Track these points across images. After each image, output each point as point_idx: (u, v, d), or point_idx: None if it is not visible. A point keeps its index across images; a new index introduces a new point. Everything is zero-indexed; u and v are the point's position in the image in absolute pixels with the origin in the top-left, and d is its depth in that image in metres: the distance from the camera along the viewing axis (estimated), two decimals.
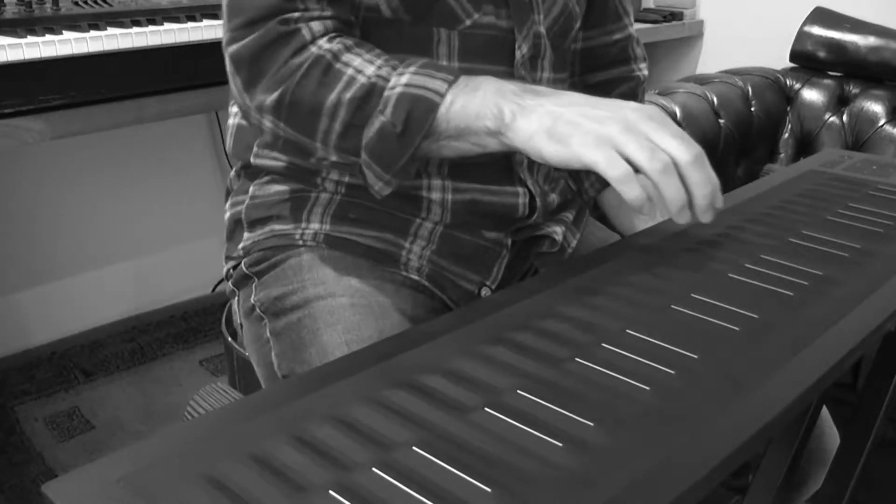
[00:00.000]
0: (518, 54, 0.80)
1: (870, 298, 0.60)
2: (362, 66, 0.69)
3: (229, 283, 0.89)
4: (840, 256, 0.67)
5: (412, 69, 0.68)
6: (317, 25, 0.71)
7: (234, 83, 0.74)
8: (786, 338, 0.54)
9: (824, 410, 0.94)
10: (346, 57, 0.70)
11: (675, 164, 0.62)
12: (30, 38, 1.27)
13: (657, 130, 0.63)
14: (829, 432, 0.95)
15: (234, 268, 0.87)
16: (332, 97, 0.69)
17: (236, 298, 0.89)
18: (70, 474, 0.40)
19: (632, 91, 0.98)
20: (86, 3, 1.45)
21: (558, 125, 0.64)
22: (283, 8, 0.70)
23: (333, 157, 0.72)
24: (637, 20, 2.30)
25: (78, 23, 1.36)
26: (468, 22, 0.77)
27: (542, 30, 0.82)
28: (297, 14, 0.70)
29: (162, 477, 0.40)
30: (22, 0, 1.37)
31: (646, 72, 1.01)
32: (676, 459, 0.41)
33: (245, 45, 0.71)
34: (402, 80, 0.68)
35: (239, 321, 0.90)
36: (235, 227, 0.88)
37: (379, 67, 0.69)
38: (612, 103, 0.65)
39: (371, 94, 0.68)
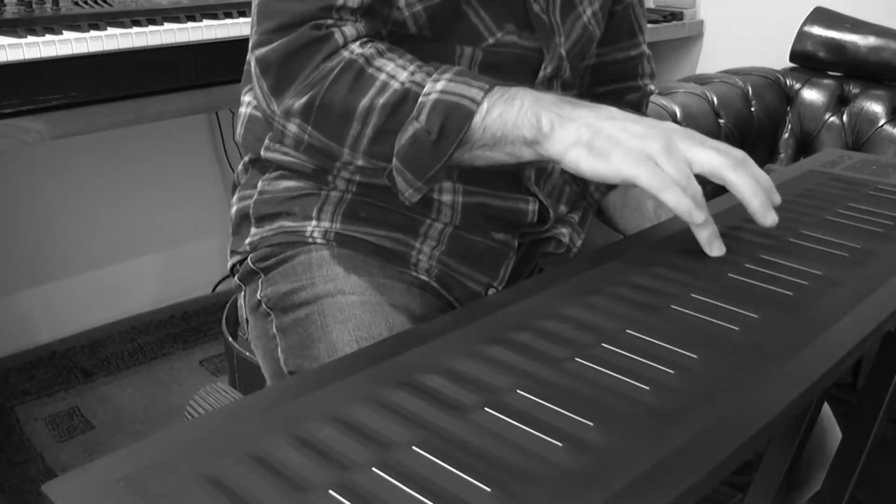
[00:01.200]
0: (541, 74, 0.81)
1: (870, 298, 0.60)
2: (395, 71, 0.69)
3: (235, 277, 0.89)
4: (840, 256, 0.67)
5: (448, 76, 0.68)
6: (349, 30, 0.70)
7: (260, 87, 0.73)
8: (786, 338, 0.54)
9: (827, 410, 0.94)
10: (379, 62, 0.69)
11: (713, 172, 0.63)
12: (30, 38, 1.27)
13: (694, 147, 0.63)
14: (831, 430, 0.95)
15: (240, 262, 0.87)
16: (365, 102, 0.68)
17: (242, 294, 0.89)
18: (70, 474, 0.40)
19: (637, 100, 0.99)
20: (86, 3, 1.45)
21: (597, 140, 0.63)
22: (317, 15, 0.70)
23: (360, 162, 0.71)
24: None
25: (78, 23, 1.36)
26: (491, 40, 0.78)
27: (563, 52, 0.83)
28: (330, 21, 0.70)
29: (162, 477, 0.40)
30: (22, 0, 1.37)
31: (653, 87, 1.01)
32: (676, 459, 0.41)
33: (274, 49, 0.70)
34: (437, 86, 0.67)
35: (245, 316, 0.90)
36: (242, 221, 0.87)
37: (413, 73, 0.68)
38: (652, 121, 0.65)
39: (405, 99, 0.67)
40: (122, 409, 1.85)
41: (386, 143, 0.69)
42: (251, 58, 0.73)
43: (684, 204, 0.61)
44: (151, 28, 1.40)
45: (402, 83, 0.68)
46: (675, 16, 2.33)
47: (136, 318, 2.16)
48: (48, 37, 1.29)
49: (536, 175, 0.85)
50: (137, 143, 2.02)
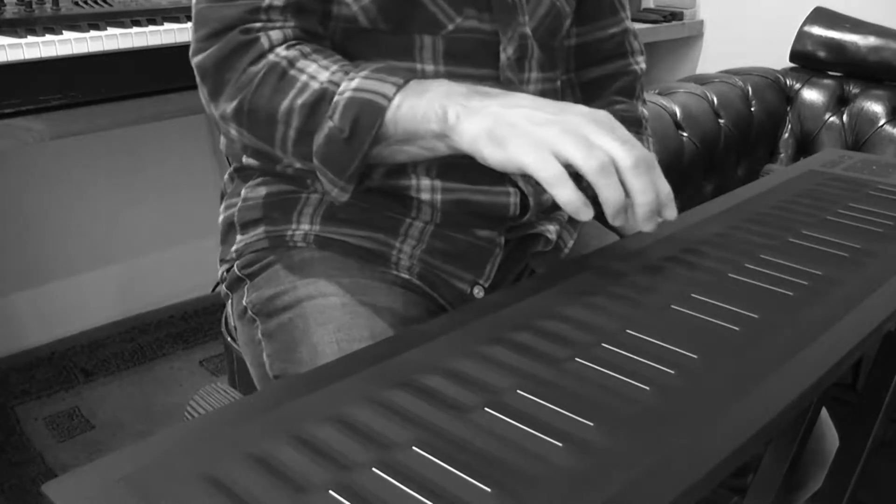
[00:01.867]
0: (503, 56, 0.80)
1: (870, 298, 0.60)
2: (317, 71, 0.69)
3: (223, 286, 0.89)
4: (840, 256, 0.67)
5: (364, 73, 0.67)
6: (276, 34, 0.71)
7: (202, 93, 0.74)
8: (786, 338, 0.54)
9: (824, 412, 0.94)
10: (302, 63, 0.70)
11: (616, 167, 0.59)
12: (30, 38, 1.27)
13: (600, 133, 0.60)
14: (829, 434, 0.95)
15: (228, 270, 0.88)
16: (286, 103, 0.69)
17: (230, 301, 0.89)
18: (70, 474, 0.40)
19: (629, 85, 0.98)
20: (86, 3, 1.45)
21: (498, 127, 0.62)
22: (246, 19, 0.71)
23: (297, 164, 0.72)
24: (637, 20, 2.30)
25: (78, 23, 1.36)
26: (451, 27, 0.77)
27: (528, 31, 0.82)
28: (258, 24, 0.71)
29: (162, 477, 0.40)
30: (22, 0, 1.37)
31: (643, 65, 1.00)
32: (676, 459, 0.41)
33: (208, 56, 0.72)
34: (351, 84, 0.67)
35: (233, 324, 0.90)
36: (229, 229, 0.88)
37: (333, 73, 0.68)
38: (560, 106, 0.63)
39: (322, 99, 0.68)
40: (122, 409, 1.85)
41: (307, 143, 0.69)
42: (193, 66, 0.74)
43: (572, 202, 0.59)
44: (151, 28, 1.40)
45: (321, 83, 0.68)
46: (675, 16, 2.33)
47: (136, 318, 2.16)
48: (48, 37, 1.29)
49: None
50: (137, 143, 2.02)
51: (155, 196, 2.12)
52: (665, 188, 0.62)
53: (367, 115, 0.66)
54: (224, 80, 0.72)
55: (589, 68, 0.98)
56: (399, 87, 0.66)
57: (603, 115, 0.63)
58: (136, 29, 1.38)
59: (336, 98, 0.67)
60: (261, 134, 0.72)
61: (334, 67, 0.69)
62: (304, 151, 0.70)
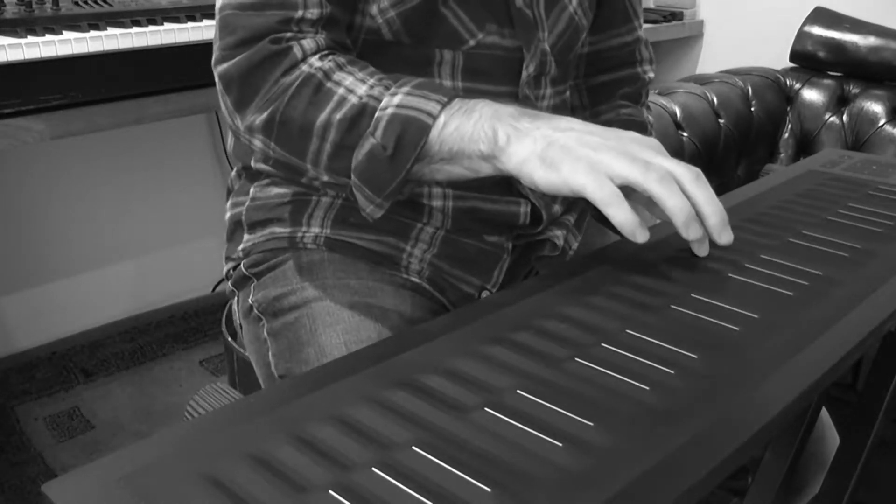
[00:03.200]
0: (524, 74, 0.80)
1: (870, 298, 0.60)
2: (354, 85, 0.67)
3: (229, 283, 0.89)
4: (840, 256, 0.67)
5: (405, 89, 0.66)
6: (308, 43, 0.69)
7: (224, 102, 0.72)
8: (786, 338, 0.54)
9: (824, 414, 0.94)
10: (338, 76, 0.68)
11: (677, 181, 0.60)
12: (30, 38, 1.27)
13: (653, 153, 0.61)
14: (829, 436, 0.94)
15: (234, 268, 0.88)
16: (323, 117, 0.67)
17: (235, 299, 0.89)
18: (70, 474, 0.40)
19: (636, 92, 0.98)
20: (86, 3, 1.45)
21: (550, 150, 0.61)
22: (277, 29, 0.69)
23: (325, 178, 0.70)
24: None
25: (78, 23, 1.36)
26: (472, 42, 0.76)
27: (547, 47, 0.82)
28: (289, 34, 0.69)
29: (162, 477, 0.40)
30: (22, 0, 1.37)
31: (652, 74, 1.00)
32: (676, 459, 0.41)
33: (235, 64, 0.69)
34: (394, 100, 0.66)
35: (238, 322, 0.90)
36: (236, 228, 0.88)
37: (371, 87, 0.67)
38: (611, 131, 0.63)
39: (362, 114, 0.66)
40: (122, 409, 1.85)
41: (345, 158, 0.67)
42: (214, 73, 0.72)
43: (628, 222, 0.59)
44: (151, 28, 1.40)
45: (360, 97, 0.66)
46: (675, 16, 2.33)
47: (136, 318, 2.16)
48: (48, 37, 1.29)
49: None
50: (137, 143, 2.02)
51: (155, 196, 2.12)
52: (718, 205, 0.62)
53: (412, 132, 0.64)
54: (253, 91, 0.69)
55: (598, 74, 0.98)
56: (444, 105, 0.65)
57: (654, 142, 0.63)
58: (136, 29, 1.38)
59: (378, 114, 0.65)
60: (292, 147, 0.70)
61: (372, 81, 0.67)
62: (339, 167, 0.68)
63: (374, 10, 0.73)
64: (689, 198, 0.60)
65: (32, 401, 1.86)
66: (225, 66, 0.70)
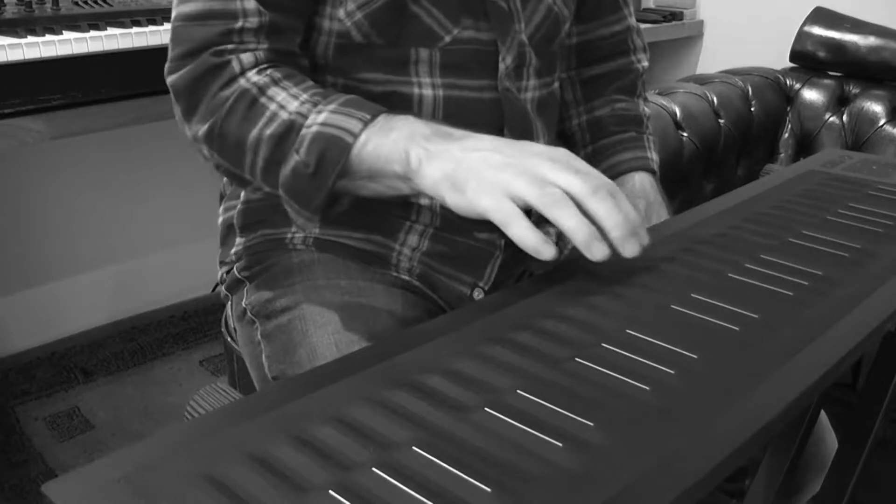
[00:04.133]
0: (502, 66, 0.79)
1: (870, 298, 0.60)
2: (286, 101, 0.68)
3: (223, 287, 0.89)
4: (840, 256, 0.67)
5: (332, 106, 0.67)
6: (247, 57, 0.70)
7: (175, 112, 0.74)
8: (786, 338, 0.54)
9: (823, 416, 0.94)
10: (272, 91, 0.69)
11: (575, 199, 0.58)
12: (30, 38, 1.27)
13: (555, 169, 0.59)
14: (828, 438, 0.94)
15: (228, 272, 0.88)
16: (255, 133, 0.68)
17: (230, 303, 0.89)
18: (70, 474, 0.40)
19: (631, 84, 0.97)
20: (86, 3, 1.45)
21: (458, 172, 0.61)
22: (218, 41, 0.70)
23: (267, 189, 0.72)
24: (637, 20, 2.29)
25: (78, 23, 1.36)
26: (447, 38, 0.76)
27: (525, 38, 0.81)
28: (231, 46, 0.70)
29: (162, 477, 0.40)
30: (22, 0, 1.37)
31: (646, 63, 0.99)
32: (676, 459, 0.41)
33: (181, 76, 0.71)
34: (319, 118, 0.66)
35: (233, 325, 0.90)
36: (228, 232, 0.88)
37: (302, 103, 0.68)
38: (519, 147, 0.62)
39: (290, 131, 0.67)
40: (122, 409, 1.85)
41: (274, 173, 0.69)
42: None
43: (527, 239, 0.57)
44: (151, 28, 1.40)
45: (290, 113, 0.68)
46: (675, 16, 2.33)
47: (136, 318, 2.16)
48: (48, 37, 1.29)
49: None
50: (137, 143, 2.02)
51: (155, 196, 2.12)
52: (632, 213, 0.60)
53: (333, 151, 0.65)
54: (196, 102, 0.71)
55: (590, 66, 0.97)
56: (366, 124, 0.65)
57: (561, 152, 0.62)
58: (136, 29, 1.38)
59: (303, 131, 0.66)
60: (231, 159, 0.72)
61: (304, 97, 0.68)
62: (272, 181, 0.70)
63: (341, 13, 0.74)
64: (588, 214, 0.58)
65: (32, 401, 1.86)
66: (173, 77, 0.72)
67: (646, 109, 0.98)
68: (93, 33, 1.33)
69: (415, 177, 0.64)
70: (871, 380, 0.79)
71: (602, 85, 0.97)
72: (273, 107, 0.68)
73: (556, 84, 0.91)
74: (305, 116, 0.67)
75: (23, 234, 1.94)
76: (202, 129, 0.71)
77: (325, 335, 0.75)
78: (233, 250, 0.87)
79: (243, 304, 0.84)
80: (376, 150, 0.65)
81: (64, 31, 1.33)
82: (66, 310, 2.04)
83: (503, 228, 0.58)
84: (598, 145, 0.96)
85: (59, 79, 1.31)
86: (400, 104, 0.77)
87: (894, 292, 0.61)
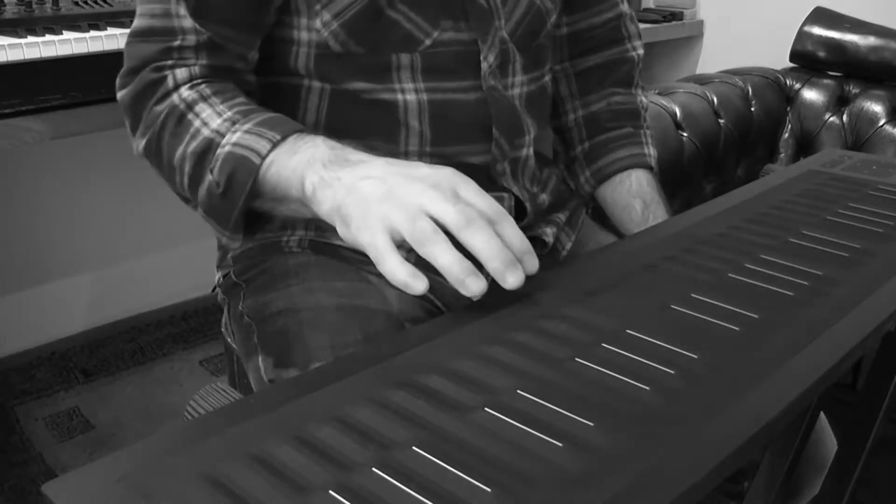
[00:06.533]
0: (484, 65, 0.79)
1: (870, 298, 0.60)
2: (210, 118, 0.69)
3: (220, 291, 0.89)
4: (840, 256, 0.67)
5: (247, 126, 0.67)
6: (181, 73, 0.71)
7: (126, 127, 0.76)
8: (786, 338, 0.54)
9: (822, 418, 0.94)
10: (199, 107, 0.70)
11: (448, 230, 0.56)
12: (30, 38, 1.27)
13: (433, 199, 0.57)
14: (827, 439, 0.94)
15: (225, 276, 0.88)
16: (181, 150, 0.70)
17: (227, 306, 0.89)
18: (70, 474, 0.40)
19: (627, 75, 0.96)
20: (86, 3, 1.45)
21: (344, 206, 0.60)
22: (158, 57, 0.72)
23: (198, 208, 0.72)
24: (637, 20, 2.29)
25: (78, 23, 1.36)
26: (428, 42, 0.76)
27: (506, 35, 0.80)
28: (170, 62, 0.72)
29: (162, 477, 0.40)
30: (22, 0, 1.37)
31: (641, 51, 0.97)
32: (676, 459, 0.41)
33: (127, 92, 0.73)
34: (233, 137, 0.67)
35: (231, 329, 0.90)
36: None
37: (224, 121, 0.68)
38: (405, 174, 0.60)
39: (208, 149, 0.68)
40: (122, 409, 1.85)
41: (196, 191, 0.70)
42: None
43: (398, 274, 0.55)
44: None
45: (211, 131, 0.68)
46: (675, 16, 2.33)
47: (136, 318, 2.16)
48: (48, 37, 1.29)
49: (511, 169, 0.84)
50: None
51: (155, 196, 2.12)
52: (516, 239, 0.58)
53: (241, 172, 0.66)
54: (137, 118, 0.73)
55: (584, 56, 0.96)
56: (274, 145, 0.66)
57: (445, 175, 0.60)
58: None
59: (218, 151, 0.67)
60: (165, 175, 0.73)
61: (228, 114, 0.69)
62: (195, 199, 0.71)
63: (317, 24, 0.74)
64: (466, 246, 0.56)
65: (32, 401, 1.86)
66: (120, 94, 0.75)
67: (643, 100, 0.97)
68: (93, 33, 1.33)
69: (311, 203, 0.63)
70: (871, 380, 0.79)
71: (597, 78, 0.96)
72: (197, 123, 0.69)
73: (547, 77, 0.90)
74: (223, 135, 0.68)
75: (23, 234, 1.94)
76: (142, 144, 0.73)
77: (321, 338, 0.75)
78: (229, 255, 0.87)
79: (240, 308, 0.84)
80: (278, 174, 0.65)
81: (64, 31, 1.33)
82: (66, 310, 2.04)
83: (376, 265, 0.57)
84: (594, 142, 0.95)
85: (59, 79, 1.31)
86: (385, 112, 0.77)
87: (894, 292, 0.61)
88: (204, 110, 0.70)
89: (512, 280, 0.56)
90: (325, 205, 0.62)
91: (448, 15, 0.76)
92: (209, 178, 0.68)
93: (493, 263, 0.56)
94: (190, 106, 0.70)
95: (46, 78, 1.30)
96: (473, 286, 0.55)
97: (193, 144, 0.69)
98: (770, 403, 0.46)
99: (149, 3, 0.72)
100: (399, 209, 0.57)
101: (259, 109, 0.70)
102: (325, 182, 0.63)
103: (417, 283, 0.55)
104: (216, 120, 0.69)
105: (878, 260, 0.67)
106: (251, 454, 0.41)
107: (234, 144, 0.67)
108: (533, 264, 0.58)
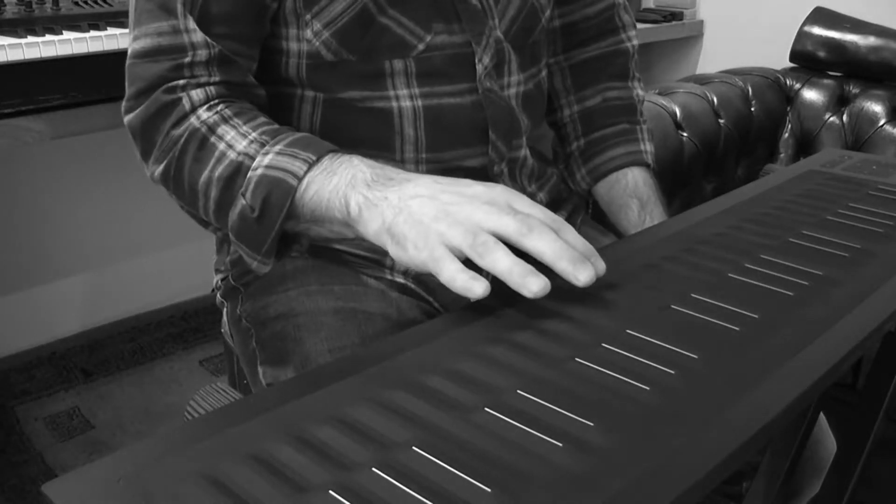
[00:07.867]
0: (479, 67, 0.78)
1: (870, 298, 0.60)
2: (234, 140, 0.67)
3: (218, 294, 0.89)
4: (840, 256, 0.67)
5: (278, 147, 0.66)
6: (197, 94, 0.69)
7: (136, 151, 0.73)
8: (786, 338, 0.54)
9: (822, 419, 0.94)
10: (222, 129, 0.68)
11: (511, 241, 0.56)
12: (30, 38, 1.27)
13: (490, 213, 0.57)
14: (827, 440, 0.94)
15: (223, 280, 0.88)
16: (206, 174, 0.68)
17: (225, 310, 0.89)
18: (70, 474, 0.40)
19: (622, 68, 0.95)
20: (86, 3, 1.45)
21: (396, 225, 0.60)
22: (169, 77, 0.69)
23: (225, 232, 0.71)
24: (637, 20, 2.29)
25: (78, 23, 1.36)
26: (421, 46, 0.75)
27: (500, 35, 0.80)
28: (182, 81, 0.69)
29: (162, 477, 0.40)
30: (22, 0, 1.37)
31: (636, 41, 0.97)
32: (676, 459, 0.41)
33: (136, 116, 0.71)
34: (265, 160, 0.65)
35: (230, 332, 0.90)
36: (224, 239, 0.88)
37: (250, 143, 0.67)
38: (457, 191, 0.60)
39: (238, 173, 0.66)
40: (122, 409, 1.85)
41: (225, 216, 0.68)
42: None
43: (457, 281, 0.55)
44: None
45: (238, 153, 0.67)
46: (675, 16, 2.33)
47: (136, 318, 2.16)
48: (48, 37, 1.29)
49: (509, 169, 0.84)
50: None
51: (155, 196, 2.11)
52: (578, 242, 0.58)
53: (277, 194, 0.64)
54: (151, 143, 0.71)
55: (579, 49, 0.95)
56: (310, 165, 0.64)
57: (499, 192, 0.60)
58: None
59: (250, 174, 0.66)
60: (186, 200, 0.71)
61: (253, 135, 0.67)
62: (223, 223, 0.69)
63: (308, 34, 0.73)
64: (531, 251, 0.56)
65: (32, 401, 1.86)
66: (129, 117, 0.72)
67: (640, 93, 0.96)
68: (93, 33, 1.33)
69: (356, 224, 0.63)
70: (871, 380, 0.79)
71: (592, 72, 0.95)
72: (222, 146, 0.67)
73: (543, 73, 0.89)
74: (253, 157, 0.66)
75: (23, 234, 1.94)
76: (158, 169, 0.71)
77: (319, 342, 0.75)
78: (228, 258, 0.87)
79: (238, 312, 0.84)
80: (318, 195, 0.64)
81: (64, 31, 1.33)
82: (66, 310, 2.04)
83: (447, 284, 0.57)
84: (589, 139, 0.94)
85: (59, 79, 1.31)
86: (380, 120, 0.77)
87: (894, 292, 0.61)
88: (227, 133, 0.68)
89: (583, 277, 0.56)
90: (373, 225, 0.61)
91: (440, 17, 0.75)
92: (242, 202, 0.66)
93: (562, 263, 0.56)
94: (212, 129, 0.68)
95: (46, 78, 1.30)
96: (534, 285, 0.54)
97: (220, 168, 0.67)
98: (770, 403, 0.46)
99: (153, 22, 0.70)
100: (456, 226, 0.57)
101: (285, 129, 0.69)
102: (371, 202, 0.62)
103: (476, 286, 0.55)
104: (242, 142, 0.67)
105: (878, 260, 0.67)
106: (251, 454, 0.41)
107: (268, 167, 0.65)
108: (600, 265, 0.58)
